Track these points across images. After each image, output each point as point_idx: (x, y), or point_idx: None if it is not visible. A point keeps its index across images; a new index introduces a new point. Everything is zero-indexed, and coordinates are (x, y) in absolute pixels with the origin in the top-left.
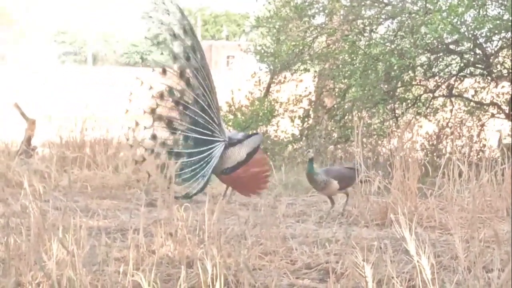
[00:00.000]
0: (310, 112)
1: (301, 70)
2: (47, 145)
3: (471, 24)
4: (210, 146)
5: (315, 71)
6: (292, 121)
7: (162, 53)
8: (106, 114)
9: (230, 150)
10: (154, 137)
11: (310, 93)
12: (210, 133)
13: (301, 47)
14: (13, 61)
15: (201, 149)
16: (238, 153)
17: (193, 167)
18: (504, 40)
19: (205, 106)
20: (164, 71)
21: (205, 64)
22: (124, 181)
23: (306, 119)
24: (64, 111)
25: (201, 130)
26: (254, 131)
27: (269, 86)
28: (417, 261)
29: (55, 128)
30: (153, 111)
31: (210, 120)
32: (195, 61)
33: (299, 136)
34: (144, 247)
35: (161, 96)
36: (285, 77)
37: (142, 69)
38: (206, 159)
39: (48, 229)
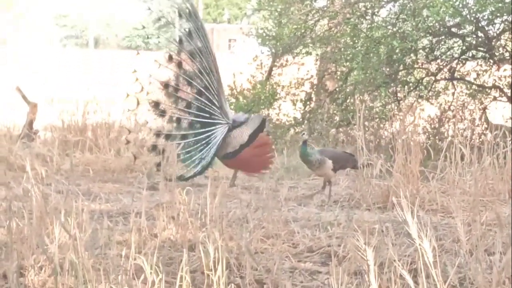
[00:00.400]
0: (312, 96)
1: (303, 53)
2: (49, 129)
3: (473, 7)
4: (209, 129)
5: (317, 54)
6: (294, 104)
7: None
8: (108, 97)
9: (232, 133)
10: (171, 120)
11: (312, 76)
12: (208, 115)
13: (303, 30)
14: (13, 45)
15: (197, 131)
16: (240, 136)
17: (188, 149)
18: (506, 23)
19: (202, 89)
20: (170, 57)
21: (204, 47)
22: (126, 164)
23: (308, 103)
24: (66, 95)
25: (196, 112)
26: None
27: (271, 70)
28: (419, 244)
29: (57, 112)
30: (170, 95)
31: (208, 103)
32: (189, 44)
33: (301, 119)
34: (146, 230)
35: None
36: (287, 60)
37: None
38: (204, 142)
39: (50, 213)
